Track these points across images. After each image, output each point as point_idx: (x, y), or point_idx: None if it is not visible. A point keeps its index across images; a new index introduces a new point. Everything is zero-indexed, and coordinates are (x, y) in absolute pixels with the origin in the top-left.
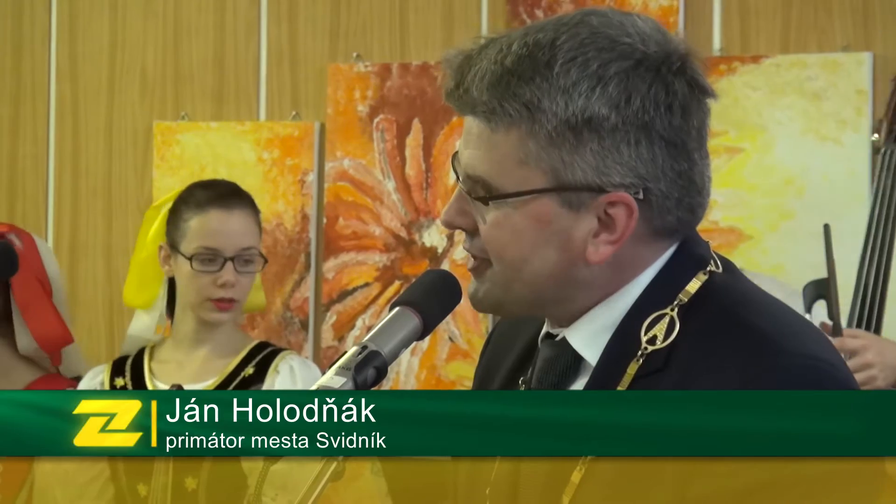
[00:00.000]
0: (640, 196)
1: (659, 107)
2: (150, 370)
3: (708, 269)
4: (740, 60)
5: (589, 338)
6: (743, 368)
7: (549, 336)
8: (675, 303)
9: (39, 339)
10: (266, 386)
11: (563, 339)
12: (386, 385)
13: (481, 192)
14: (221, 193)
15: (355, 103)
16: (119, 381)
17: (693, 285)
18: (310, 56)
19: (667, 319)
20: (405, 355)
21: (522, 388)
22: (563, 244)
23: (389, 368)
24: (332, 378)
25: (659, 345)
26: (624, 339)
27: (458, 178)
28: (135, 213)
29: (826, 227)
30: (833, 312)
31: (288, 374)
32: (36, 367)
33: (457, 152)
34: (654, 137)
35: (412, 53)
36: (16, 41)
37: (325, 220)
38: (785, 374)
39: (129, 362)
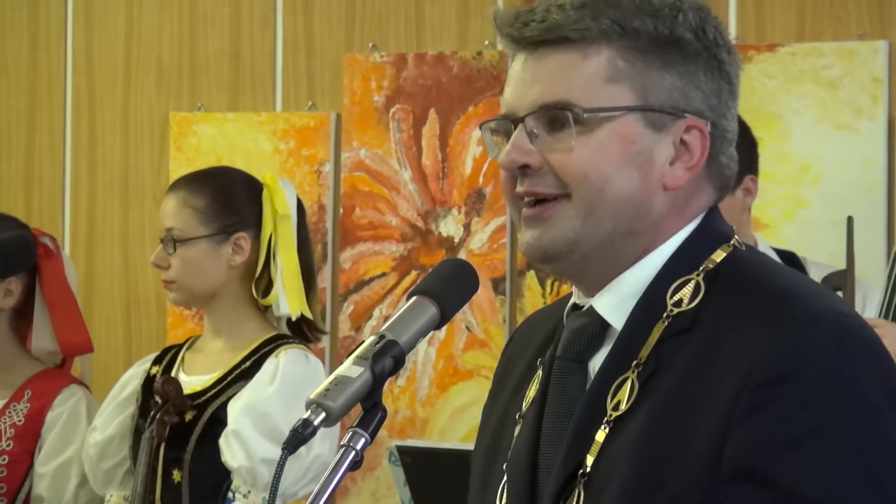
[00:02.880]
0: (709, 129)
1: (726, 43)
2: (183, 359)
3: (732, 242)
4: (756, 49)
5: (616, 303)
6: (772, 322)
7: (575, 308)
8: (702, 269)
9: (62, 342)
10: (254, 380)
11: (590, 307)
12: (403, 374)
13: (564, 116)
14: (178, 179)
15: (371, 93)
16: (154, 370)
17: (718, 255)
18: (326, 46)
19: (692, 284)
20: (422, 345)
21: (540, 368)
22: (645, 165)
23: (407, 358)
24: (349, 368)
25: (685, 307)
26: (650, 303)
27: (510, 126)
28: (151, 205)
29: (849, 220)
30: (847, 302)
31: (271, 370)
32: (38, 361)
33: (494, 119)
34: (722, 72)
35: (428, 43)
36: (32, 33)
37: (341, 211)
38: (814, 327)
39: (173, 350)
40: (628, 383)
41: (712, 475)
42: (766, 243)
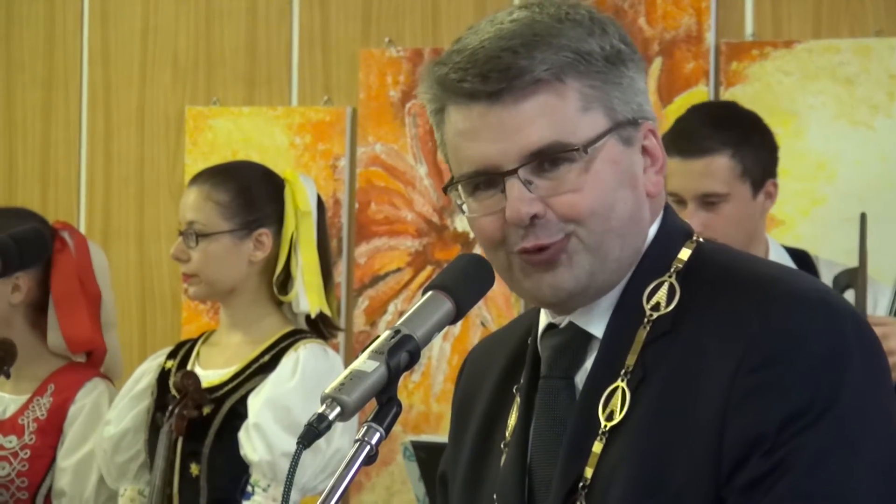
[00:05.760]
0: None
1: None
2: (198, 353)
3: (695, 237)
4: (772, 46)
5: (597, 316)
6: (758, 306)
7: (551, 327)
8: (672, 270)
9: (67, 337)
10: (274, 374)
11: (570, 323)
12: (418, 370)
13: (559, 159)
14: (200, 172)
15: (387, 88)
16: (169, 364)
17: (684, 253)
18: (342, 41)
19: (666, 286)
20: (437, 340)
21: (517, 395)
22: (632, 181)
23: (422, 353)
24: (364, 362)
25: (663, 311)
26: (627, 309)
27: (498, 180)
28: (167, 199)
29: (863, 216)
30: (859, 300)
31: (291, 364)
32: (61, 357)
33: (469, 177)
34: (642, 68)
35: (444, 38)
36: (48, 27)
37: (356, 206)
38: (800, 306)
39: (188, 345)
40: (619, 392)
41: (714, 463)
42: (778, 242)
